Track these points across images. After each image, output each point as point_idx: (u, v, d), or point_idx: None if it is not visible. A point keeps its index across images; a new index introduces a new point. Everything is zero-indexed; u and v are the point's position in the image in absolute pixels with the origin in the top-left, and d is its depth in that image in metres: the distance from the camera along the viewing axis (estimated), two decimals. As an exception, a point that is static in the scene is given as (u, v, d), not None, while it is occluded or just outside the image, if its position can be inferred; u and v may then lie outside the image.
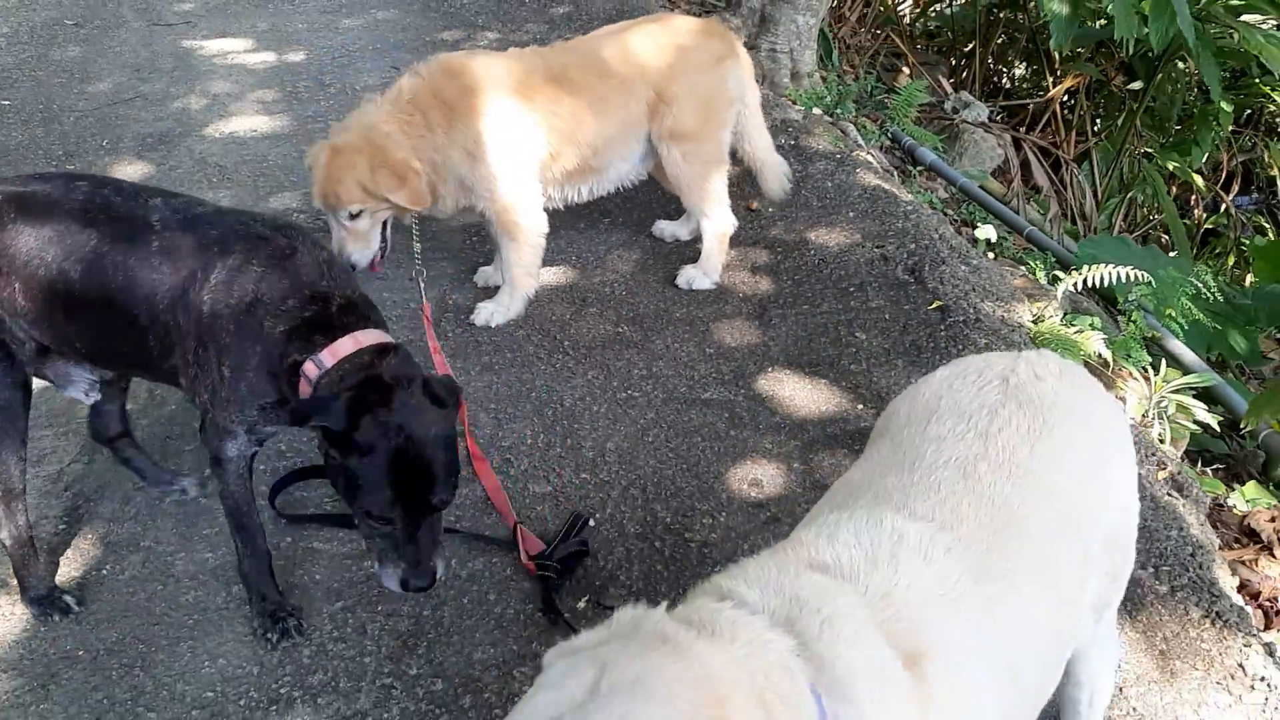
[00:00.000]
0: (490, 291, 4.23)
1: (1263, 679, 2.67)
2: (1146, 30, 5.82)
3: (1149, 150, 7.83)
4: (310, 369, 2.40)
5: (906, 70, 8.05)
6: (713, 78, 4.09)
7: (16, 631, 2.88)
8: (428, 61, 3.88)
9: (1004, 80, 8.95)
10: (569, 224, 4.56)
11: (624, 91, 3.99)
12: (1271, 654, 2.75)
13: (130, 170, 5.12)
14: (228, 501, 2.72)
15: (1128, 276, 4.18)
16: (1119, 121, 7.84)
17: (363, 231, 3.73)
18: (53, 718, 2.63)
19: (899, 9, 9.23)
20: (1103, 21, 7.04)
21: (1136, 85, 7.73)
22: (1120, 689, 2.60)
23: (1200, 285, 4.46)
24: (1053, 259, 5.09)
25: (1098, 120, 8.30)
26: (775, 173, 4.52)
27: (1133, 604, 2.83)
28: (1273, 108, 8.02)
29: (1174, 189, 8.04)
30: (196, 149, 5.34)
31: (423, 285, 3.87)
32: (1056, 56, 7.85)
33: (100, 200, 2.58)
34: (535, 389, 3.77)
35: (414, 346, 3.85)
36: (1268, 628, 3.03)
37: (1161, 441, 3.88)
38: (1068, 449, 1.85)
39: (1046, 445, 1.82)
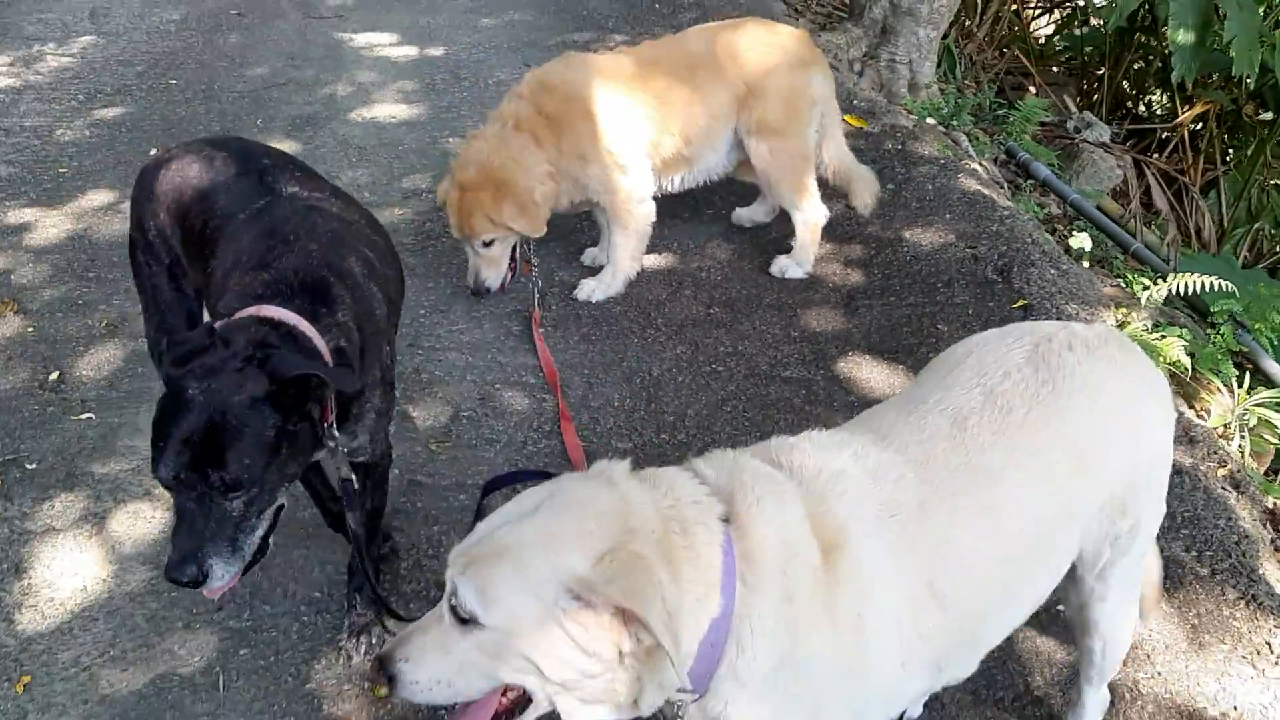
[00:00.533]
0: (594, 270, 4.51)
1: (1292, 659, 2.74)
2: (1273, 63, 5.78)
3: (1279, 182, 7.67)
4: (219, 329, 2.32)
5: (1033, 89, 8.07)
6: (798, 77, 4.30)
7: (155, 532, 3.28)
8: (525, 80, 4.19)
9: (1138, 105, 8.84)
10: (674, 213, 4.80)
11: (716, 82, 4.23)
12: (1307, 639, 2.81)
13: (278, 148, 5.57)
14: None
15: (1213, 286, 4.21)
16: (1249, 151, 7.70)
17: (495, 257, 4.17)
18: (181, 604, 3.02)
19: (1031, 28, 9.23)
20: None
21: (1269, 115, 7.59)
22: (1149, 655, 2.71)
23: (1292, 301, 4.45)
24: (1152, 273, 5.11)
25: (1230, 150, 8.15)
26: (865, 181, 4.68)
27: (1171, 582, 2.94)
28: None
29: (1305, 222, 7.84)
30: (340, 131, 5.79)
31: (536, 295, 4.28)
32: (1187, 83, 7.76)
33: (251, 171, 2.88)
34: (626, 359, 4.04)
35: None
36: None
37: (1242, 453, 3.91)
38: (1068, 416, 1.91)
39: (1045, 410, 1.90)
